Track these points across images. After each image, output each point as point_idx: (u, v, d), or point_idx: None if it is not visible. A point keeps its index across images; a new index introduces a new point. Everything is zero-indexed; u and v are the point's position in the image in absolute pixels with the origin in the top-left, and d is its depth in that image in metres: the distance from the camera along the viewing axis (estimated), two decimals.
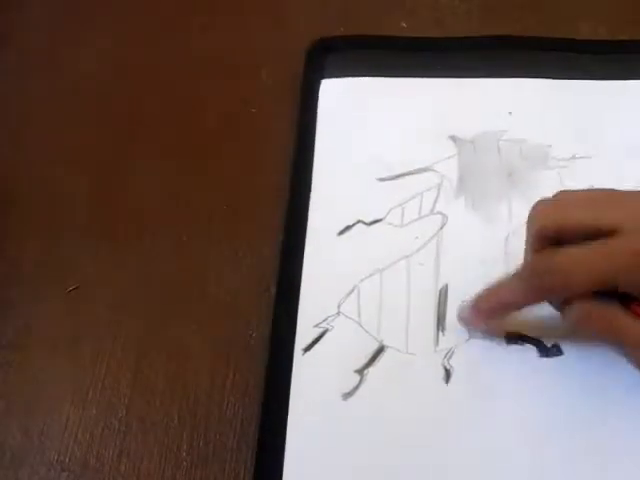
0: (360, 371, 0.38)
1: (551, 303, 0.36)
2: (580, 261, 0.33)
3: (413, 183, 0.44)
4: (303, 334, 0.39)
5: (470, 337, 0.39)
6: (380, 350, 0.39)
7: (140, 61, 0.52)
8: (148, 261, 0.44)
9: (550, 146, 0.44)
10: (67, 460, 0.38)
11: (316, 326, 0.40)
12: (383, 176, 0.45)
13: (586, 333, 0.36)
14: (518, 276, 0.36)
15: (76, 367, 0.40)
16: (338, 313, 0.40)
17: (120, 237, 0.45)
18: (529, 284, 0.35)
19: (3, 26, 0.56)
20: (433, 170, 0.44)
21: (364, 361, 0.38)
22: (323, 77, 0.49)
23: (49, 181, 0.48)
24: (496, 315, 0.38)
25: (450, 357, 0.38)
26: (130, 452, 0.38)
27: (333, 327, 0.40)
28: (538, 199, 0.36)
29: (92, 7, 0.56)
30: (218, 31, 0.53)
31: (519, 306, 0.37)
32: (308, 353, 0.39)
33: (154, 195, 0.46)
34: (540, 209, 0.36)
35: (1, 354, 0.41)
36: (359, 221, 0.43)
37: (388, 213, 0.43)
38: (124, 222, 0.45)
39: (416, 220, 0.43)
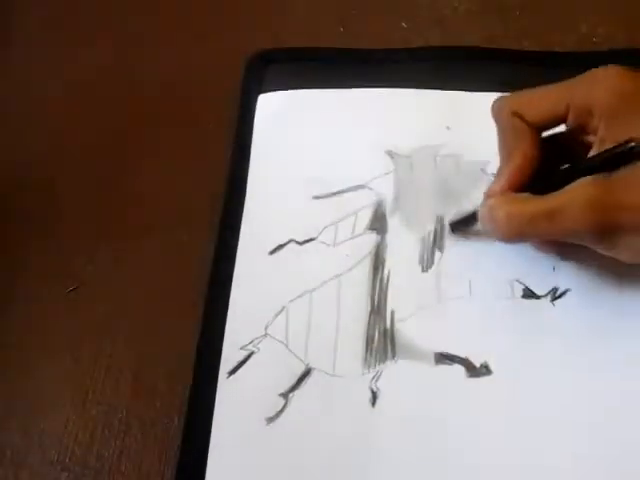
0: (285, 394, 0.38)
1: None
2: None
3: (348, 201, 0.43)
4: (229, 356, 0.39)
5: (398, 358, 0.38)
6: (306, 373, 0.38)
7: (140, 61, 0.52)
8: (148, 261, 0.44)
9: (488, 162, 0.43)
10: (67, 460, 0.38)
11: (242, 348, 0.39)
12: (318, 193, 0.44)
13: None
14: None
15: (76, 367, 0.40)
16: (265, 335, 0.39)
17: (120, 237, 0.45)
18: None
19: (4, 26, 0.56)
20: (369, 187, 0.44)
21: (290, 384, 0.38)
22: (261, 90, 0.48)
23: (49, 181, 0.48)
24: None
25: (377, 379, 0.38)
26: (130, 452, 0.38)
27: (259, 349, 0.39)
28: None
29: (92, 8, 0.56)
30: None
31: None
32: (233, 376, 0.38)
33: (154, 195, 0.46)
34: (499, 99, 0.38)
35: (1, 354, 0.41)
36: (291, 240, 0.42)
37: (321, 232, 0.43)
38: (124, 222, 0.45)
39: (350, 239, 0.42)
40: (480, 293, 0.40)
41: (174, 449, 0.37)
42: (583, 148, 0.36)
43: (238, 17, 0.54)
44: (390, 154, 0.45)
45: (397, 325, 0.39)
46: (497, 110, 0.38)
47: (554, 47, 0.49)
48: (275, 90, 0.48)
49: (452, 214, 0.42)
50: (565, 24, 0.50)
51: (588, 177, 0.33)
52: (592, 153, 0.35)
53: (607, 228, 0.33)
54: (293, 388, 0.38)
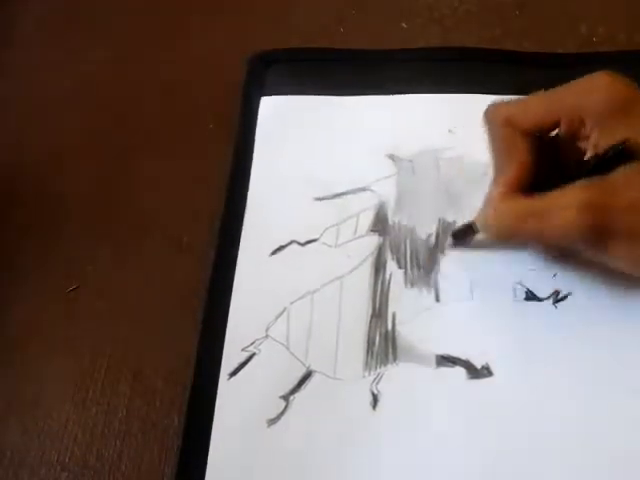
0: (286, 397, 0.37)
1: None
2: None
3: (350, 203, 0.43)
4: (230, 358, 0.39)
5: (399, 360, 0.38)
6: (307, 375, 0.38)
7: (140, 61, 0.52)
8: (148, 261, 0.44)
9: (490, 165, 0.42)
10: (67, 460, 0.38)
11: (243, 349, 0.39)
12: (320, 195, 0.44)
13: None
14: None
15: (76, 367, 0.40)
16: (266, 336, 0.39)
17: (120, 237, 0.45)
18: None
19: (4, 26, 0.56)
20: (371, 190, 0.44)
21: (290, 386, 0.38)
22: (263, 92, 0.48)
23: (49, 181, 0.48)
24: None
25: (378, 382, 0.38)
26: (130, 452, 0.38)
27: (260, 351, 0.39)
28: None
29: (92, 8, 0.56)
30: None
31: None
32: (234, 378, 0.38)
33: (154, 195, 0.46)
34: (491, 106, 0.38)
35: (1, 354, 0.41)
36: (293, 241, 0.42)
37: (323, 233, 0.42)
38: (124, 222, 0.45)
39: (351, 240, 0.42)
40: (482, 295, 0.40)
41: (174, 449, 0.37)
42: (576, 154, 0.36)
43: (238, 17, 0.54)
44: (392, 157, 0.45)
45: (398, 327, 0.39)
46: (490, 118, 0.38)
47: (554, 47, 0.49)
48: (276, 91, 0.48)
49: (454, 228, 0.42)
50: (565, 24, 0.51)
51: (582, 180, 0.33)
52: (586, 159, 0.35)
53: (597, 230, 0.33)
54: (294, 390, 0.38)
